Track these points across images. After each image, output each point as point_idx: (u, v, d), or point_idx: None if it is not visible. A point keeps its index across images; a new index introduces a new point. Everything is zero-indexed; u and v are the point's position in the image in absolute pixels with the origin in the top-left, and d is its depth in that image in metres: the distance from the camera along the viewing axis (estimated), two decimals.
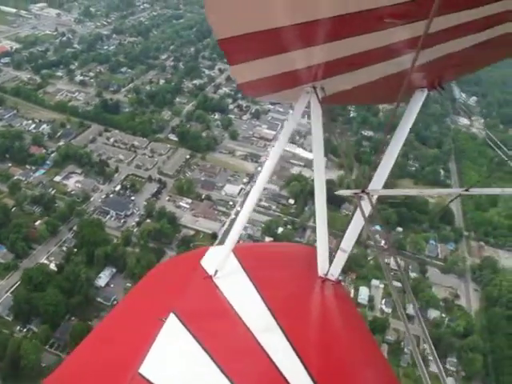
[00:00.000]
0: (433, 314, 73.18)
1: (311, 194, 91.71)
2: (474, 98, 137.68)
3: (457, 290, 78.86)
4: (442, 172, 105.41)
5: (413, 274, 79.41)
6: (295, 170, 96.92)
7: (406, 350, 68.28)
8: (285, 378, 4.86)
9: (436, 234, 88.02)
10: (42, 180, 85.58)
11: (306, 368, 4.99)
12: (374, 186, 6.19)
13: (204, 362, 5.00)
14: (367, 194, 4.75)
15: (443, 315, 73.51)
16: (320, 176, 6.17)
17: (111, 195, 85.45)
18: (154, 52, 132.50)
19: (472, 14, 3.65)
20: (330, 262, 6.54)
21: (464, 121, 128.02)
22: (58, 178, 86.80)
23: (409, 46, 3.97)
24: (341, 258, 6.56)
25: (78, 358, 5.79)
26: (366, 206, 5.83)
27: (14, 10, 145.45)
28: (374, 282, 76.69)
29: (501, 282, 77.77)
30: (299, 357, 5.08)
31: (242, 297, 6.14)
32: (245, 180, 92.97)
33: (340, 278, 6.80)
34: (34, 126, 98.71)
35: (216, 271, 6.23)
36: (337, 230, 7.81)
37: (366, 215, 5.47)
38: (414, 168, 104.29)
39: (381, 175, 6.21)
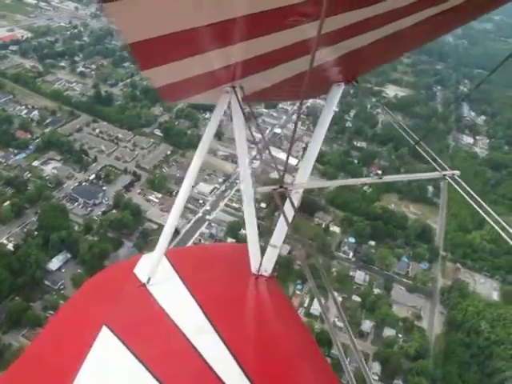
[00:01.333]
0: (388, 332, 70.05)
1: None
2: (483, 117, 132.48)
3: (420, 311, 75.26)
4: (431, 189, 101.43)
5: (376, 290, 76.41)
6: (275, 174, 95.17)
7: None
8: (220, 378, 4.95)
9: (411, 251, 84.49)
10: (20, 163, 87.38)
11: (240, 366, 5.12)
12: (299, 180, 6.63)
13: (138, 372, 5.02)
14: (286, 189, 4.74)
15: (399, 335, 70.25)
16: (246, 173, 6.42)
17: (84, 183, 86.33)
18: None
19: (377, 9, 3.70)
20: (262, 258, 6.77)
21: (467, 139, 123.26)
22: (36, 163, 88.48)
23: (326, 41, 4.04)
24: (272, 254, 6.81)
25: (8, 381, 5.50)
26: (295, 200, 6.22)
27: (34, 2, 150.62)
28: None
29: (467, 307, 73.75)
30: (234, 356, 5.22)
31: (175, 302, 6.21)
32: (220, 180, 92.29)
33: (273, 273, 7.06)
34: (25, 111, 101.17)
35: (149, 278, 6.28)
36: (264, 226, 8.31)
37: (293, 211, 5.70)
38: (401, 183, 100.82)
39: (304, 170, 6.68)
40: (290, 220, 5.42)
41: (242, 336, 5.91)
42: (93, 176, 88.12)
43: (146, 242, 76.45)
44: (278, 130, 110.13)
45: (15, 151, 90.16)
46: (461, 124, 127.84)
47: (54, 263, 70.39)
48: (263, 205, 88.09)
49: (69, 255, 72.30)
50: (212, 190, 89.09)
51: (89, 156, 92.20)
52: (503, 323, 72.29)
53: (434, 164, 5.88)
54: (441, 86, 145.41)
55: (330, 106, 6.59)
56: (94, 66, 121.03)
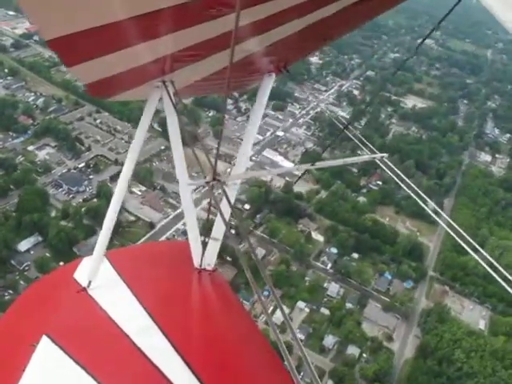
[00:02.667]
0: (352, 350, 66.06)
1: (268, 201, 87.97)
2: (508, 135, 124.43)
3: (393, 332, 70.68)
4: (432, 206, 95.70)
5: (349, 305, 72.45)
6: (267, 177, 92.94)
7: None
8: (167, 377, 4.95)
9: (396, 268, 79.78)
10: (16, 147, 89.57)
11: (187, 364, 5.16)
12: (236, 173, 6.88)
13: (83, 380, 4.92)
14: (219, 181, 4.76)
15: (364, 355, 66.14)
16: (181, 168, 6.37)
17: (72, 171, 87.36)
18: None
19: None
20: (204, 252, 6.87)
21: (486, 157, 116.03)
22: (31, 148, 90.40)
23: (249, 32, 4.07)
24: (214, 247, 6.93)
25: None
26: (230, 194, 6.13)
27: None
28: (300, 304, 70.84)
29: (443, 334, 68.62)
30: (180, 354, 5.26)
31: (118, 304, 6.17)
32: (208, 178, 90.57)
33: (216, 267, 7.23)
34: (32, 98, 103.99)
35: (89, 282, 6.22)
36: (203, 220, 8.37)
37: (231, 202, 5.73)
38: (399, 195, 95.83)
39: (240, 162, 6.83)
40: (228, 212, 5.51)
41: (188, 333, 5.93)
42: (82, 164, 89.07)
43: (118, 232, 76.16)
44: (280, 133, 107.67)
45: (14, 135, 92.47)
46: (481, 140, 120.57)
47: (23, 245, 71.19)
48: (247, 206, 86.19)
49: (40, 238, 73.00)
50: (197, 188, 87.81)
51: (83, 144, 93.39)
52: (481, 354, 66.76)
53: (364, 148, 5.84)
54: (467, 100, 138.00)
55: (262, 96, 6.64)
56: None
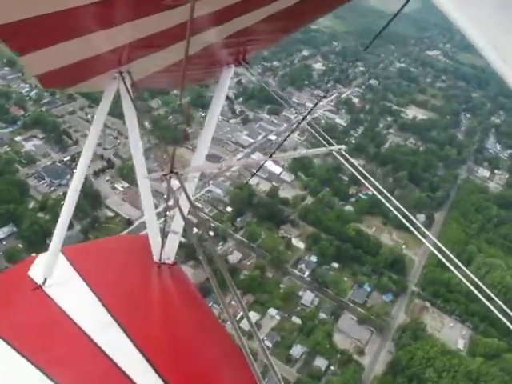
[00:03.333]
0: (320, 362, 64.06)
1: (252, 205, 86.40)
2: (510, 151, 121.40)
3: (365, 346, 68.54)
4: (423, 218, 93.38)
5: (322, 315, 70.48)
6: (252, 181, 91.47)
7: None
8: (126, 373, 4.90)
9: (377, 281, 77.62)
10: (3, 137, 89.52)
11: (147, 360, 5.08)
12: (194, 165, 6.95)
13: (38, 380, 4.81)
14: (176, 173, 4.71)
15: (332, 367, 64.12)
16: (139, 161, 6.29)
17: (57, 163, 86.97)
18: None
19: None
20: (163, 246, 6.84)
21: (484, 172, 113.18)
22: (18, 138, 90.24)
23: (206, 23, 4.01)
24: (173, 241, 6.93)
25: None
26: (189, 187, 6.30)
27: None
28: (272, 311, 69.10)
29: (416, 351, 66.30)
30: (140, 350, 5.20)
31: (75, 301, 6.07)
32: (201, 183, 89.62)
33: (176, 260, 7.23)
34: (27, 89, 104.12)
35: (45, 280, 6.09)
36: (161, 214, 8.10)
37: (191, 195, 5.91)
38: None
39: (199, 155, 6.86)
40: (187, 206, 5.40)
41: (148, 329, 5.82)
42: (68, 158, 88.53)
43: (94, 227, 75.46)
44: (272, 137, 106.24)
45: (3, 125, 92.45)
46: (480, 155, 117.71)
47: None
48: (229, 209, 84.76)
49: (15, 229, 72.52)
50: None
51: (71, 138, 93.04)
52: (453, 375, 64.36)
53: (321, 140, 5.75)
54: (470, 114, 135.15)
55: (221, 89, 6.61)
56: None
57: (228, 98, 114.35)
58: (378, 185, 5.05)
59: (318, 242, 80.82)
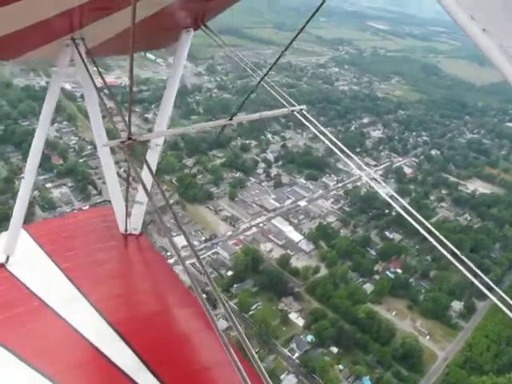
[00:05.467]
0: None
1: (256, 271, 79.44)
2: None
3: None
4: (459, 307, 79.35)
5: None
6: (266, 246, 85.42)
7: None
8: (95, 345, 5.08)
9: (382, 374, 65.52)
10: (37, 183, 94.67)
11: (115, 330, 5.23)
12: (157, 130, 7.08)
13: (4, 359, 4.92)
14: (135, 140, 4.69)
15: None
16: (98, 129, 6.43)
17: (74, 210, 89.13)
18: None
19: None
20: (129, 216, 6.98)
21: None
22: (49, 185, 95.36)
23: None
24: (139, 211, 7.18)
25: None
26: (152, 156, 6.73)
27: (153, 58, 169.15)
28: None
29: None
30: (107, 321, 5.34)
31: (40, 277, 6.27)
32: (203, 238, 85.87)
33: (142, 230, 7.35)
34: (74, 141, 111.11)
35: (7, 257, 6.36)
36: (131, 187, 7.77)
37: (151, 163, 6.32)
38: (418, 288, 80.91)
39: (161, 120, 6.98)
40: (149, 175, 5.43)
41: (115, 300, 5.83)
42: (86, 206, 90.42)
43: None
44: (302, 203, 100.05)
45: (41, 172, 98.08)
46: None
47: None
48: (230, 273, 78.98)
49: None
50: (185, 246, 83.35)
51: (96, 188, 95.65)
52: None
53: (282, 101, 5.60)
54: None
55: (180, 53, 6.68)
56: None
57: (267, 160, 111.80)
58: (344, 148, 4.83)
59: (318, 320, 71.40)
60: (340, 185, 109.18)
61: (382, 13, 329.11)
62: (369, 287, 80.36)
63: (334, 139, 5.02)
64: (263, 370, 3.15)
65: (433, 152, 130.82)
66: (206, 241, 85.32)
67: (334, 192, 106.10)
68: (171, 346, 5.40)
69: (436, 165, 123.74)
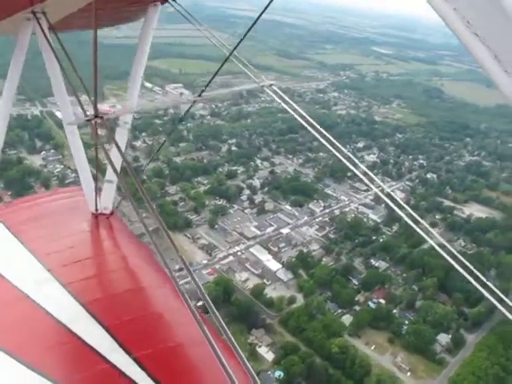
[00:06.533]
0: None
1: (227, 302, 75.61)
2: None
3: None
4: (445, 341, 73.93)
5: None
6: (241, 276, 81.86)
7: None
8: (68, 327, 5.07)
9: None
10: None
11: (88, 311, 5.24)
12: (123, 108, 7.45)
13: None
14: (101, 118, 4.63)
15: None
16: (65, 107, 6.42)
17: None
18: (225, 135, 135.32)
19: None
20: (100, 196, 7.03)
21: None
22: None
23: None
24: (109, 190, 7.12)
25: None
26: (120, 134, 6.70)
27: (150, 85, 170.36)
28: None
29: None
30: (80, 302, 5.33)
31: (9, 260, 6.20)
32: (177, 267, 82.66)
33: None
34: (59, 169, 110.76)
35: None
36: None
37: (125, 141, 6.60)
38: (401, 319, 75.85)
39: (131, 97, 7.05)
40: (117, 153, 5.45)
41: (87, 280, 5.84)
42: None
43: None
44: (285, 231, 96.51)
45: None
46: None
47: None
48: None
49: None
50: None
51: None
52: None
53: (252, 76, 5.57)
54: None
55: (147, 27, 6.65)
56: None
57: (252, 187, 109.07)
58: (316, 124, 4.76)
59: (294, 354, 67.03)
60: (327, 211, 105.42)
61: (389, 38, 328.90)
62: (348, 319, 75.69)
63: (307, 116, 4.88)
64: (238, 348, 3.21)
65: (428, 175, 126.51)
66: (179, 270, 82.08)
67: (320, 218, 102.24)
68: (144, 324, 5.37)
69: (431, 189, 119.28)
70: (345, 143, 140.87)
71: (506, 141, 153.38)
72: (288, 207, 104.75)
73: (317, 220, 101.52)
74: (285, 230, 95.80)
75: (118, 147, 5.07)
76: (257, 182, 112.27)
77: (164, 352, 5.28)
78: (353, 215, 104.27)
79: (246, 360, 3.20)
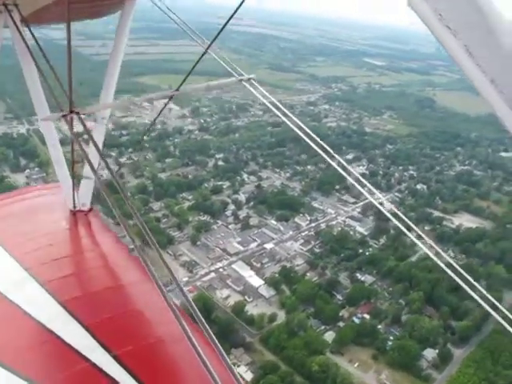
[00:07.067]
0: None
1: (205, 319, 73.33)
2: None
3: None
4: (431, 356, 71.49)
5: None
6: (222, 293, 79.86)
7: None
8: (48, 328, 4.98)
9: None
10: None
11: (68, 311, 5.09)
12: (103, 102, 7.05)
13: None
14: (77, 113, 4.52)
15: None
16: (39, 102, 6.21)
17: None
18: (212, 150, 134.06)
19: None
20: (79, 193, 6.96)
21: None
22: None
23: None
24: (87, 186, 7.04)
25: None
26: (97, 129, 6.58)
27: (138, 102, 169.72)
28: None
29: None
30: (59, 302, 5.23)
31: None
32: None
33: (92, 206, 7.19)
34: None
35: None
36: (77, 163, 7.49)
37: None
38: (386, 335, 73.54)
39: (106, 92, 6.85)
40: (93, 149, 5.37)
41: (65, 279, 5.78)
42: None
43: None
44: (269, 246, 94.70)
45: None
46: None
47: None
48: None
49: None
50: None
51: None
52: None
53: (230, 70, 5.64)
54: None
55: (124, 22, 6.61)
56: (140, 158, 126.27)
57: (237, 202, 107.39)
58: (295, 118, 4.79)
59: (273, 374, 64.79)
60: (313, 224, 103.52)
61: (382, 50, 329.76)
62: (331, 335, 73.47)
63: (286, 110, 4.89)
64: (218, 344, 3.23)
65: (418, 186, 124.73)
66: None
67: (306, 233, 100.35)
68: (124, 321, 5.28)
69: (421, 199, 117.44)
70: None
71: (496, 149, 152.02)
72: (273, 222, 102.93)
73: (302, 234, 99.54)
74: (269, 245, 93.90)
75: (95, 143, 4.87)
76: (242, 197, 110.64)
77: (144, 349, 5.20)
78: (339, 228, 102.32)
79: (226, 356, 3.19)
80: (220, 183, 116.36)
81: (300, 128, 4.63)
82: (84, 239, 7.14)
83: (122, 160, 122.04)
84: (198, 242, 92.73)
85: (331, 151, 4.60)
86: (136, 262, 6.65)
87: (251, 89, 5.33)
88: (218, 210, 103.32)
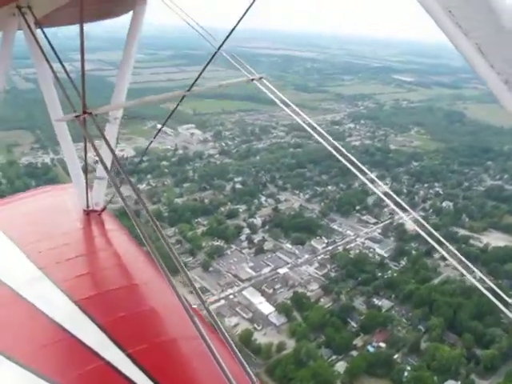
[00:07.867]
0: None
1: None
2: None
3: None
4: None
5: None
6: (231, 321, 77.47)
7: None
8: (63, 327, 5.09)
9: None
10: None
11: (83, 311, 5.26)
12: (115, 103, 7.18)
13: None
14: (90, 114, 4.57)
15: None
16: (53, 104, 6.34)
17: None
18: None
19: None
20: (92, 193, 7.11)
21: None
22: None
23: None
24: (100, 187, 7.26)
25: None
26: (110, 130, 6.73)
27: (158, 126, 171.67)
28: None
29: None
30: (73, 301, 5.38)
31: (0, 258, 6.21)
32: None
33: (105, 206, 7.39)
34: None
35: None
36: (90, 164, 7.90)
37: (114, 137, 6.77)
38: (403, 364, 68.74)
39: (118, 94, 7.06)
40: (107, 149, 5.22)
41: (80, 278, 5.79)
42: None
43: None
44: (283, 270, 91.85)
45: None
46: None
47: None
48: None
49: None
50: None
51: None
52: None
53: (241, 70, 5.72)
54: None
55: (135, 25, 6.54)
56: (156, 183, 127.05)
57: (252, 226, 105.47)
58: (306, 117, 4.86)
59: None
60: (330, 248, 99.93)
61: (410, 65, 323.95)
62: (343, 366, 69.48)
63: (298, 110, 4.89)
64: (231, 342, 3.23)
65: (444, 204, 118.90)
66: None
67: (322, 256, 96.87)
68: (138, 320, 5.30)
69: (446, 217, 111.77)
70: (355, 175, 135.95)
71: None
72: (288, 245, 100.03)
73: (318, 258, 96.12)
74: (282, 270, 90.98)
75: (108, 143, 4.88)
76: (258, 221, 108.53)
77: (158, 347, 5.16)
78: (357, 251, 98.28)
79: (239, 354, 3.17)
80: (236, 207, 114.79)
81: (313, 128, 4.52)
82: (97, 239, 7.13)
83: (141, 186, 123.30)
84: (210, 268, 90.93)
85: (349, 155, 4.48)
86: (149, 262, 6.60)
87: (262, 87, 5.34)
88: (232, 234, 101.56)
